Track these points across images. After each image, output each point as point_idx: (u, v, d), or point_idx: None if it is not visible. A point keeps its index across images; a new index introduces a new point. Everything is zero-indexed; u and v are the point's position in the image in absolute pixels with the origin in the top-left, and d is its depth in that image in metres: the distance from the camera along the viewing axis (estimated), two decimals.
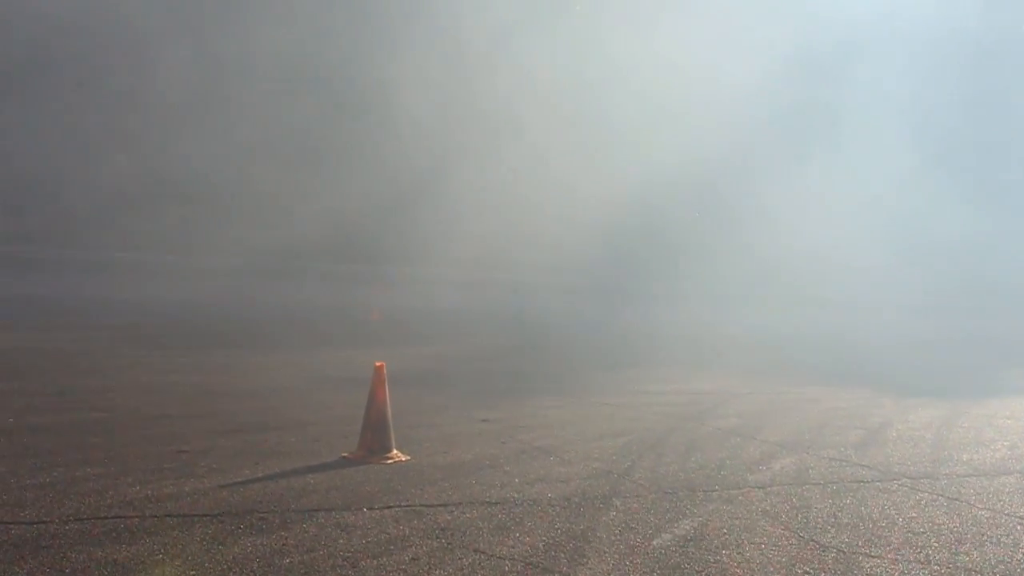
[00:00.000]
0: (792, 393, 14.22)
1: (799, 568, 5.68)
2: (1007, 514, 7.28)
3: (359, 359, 14.72)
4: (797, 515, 6.91)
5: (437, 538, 5.81)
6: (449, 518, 6.25)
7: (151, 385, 11.09)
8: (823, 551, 6.04)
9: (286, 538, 5.63)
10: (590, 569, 5.43)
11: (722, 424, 10.82)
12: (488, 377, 14.06)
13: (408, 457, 7.99)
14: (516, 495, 6.98)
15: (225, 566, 5.11)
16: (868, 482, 8.21)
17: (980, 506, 7.50)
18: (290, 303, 24.46)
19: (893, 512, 7.19)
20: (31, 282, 23.69)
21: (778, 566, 5.68)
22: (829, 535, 6.40)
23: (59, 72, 26.52)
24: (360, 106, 28.41)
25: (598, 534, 6.10)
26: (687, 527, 6.40)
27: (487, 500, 6.79)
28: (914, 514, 7.13)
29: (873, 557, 5.99)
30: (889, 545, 6.26)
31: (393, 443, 8.01)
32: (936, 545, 6.32)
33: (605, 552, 5.75)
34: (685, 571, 5.50)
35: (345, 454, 7.92)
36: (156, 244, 26.62)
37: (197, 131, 26.94)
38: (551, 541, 5.89)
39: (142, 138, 27.05)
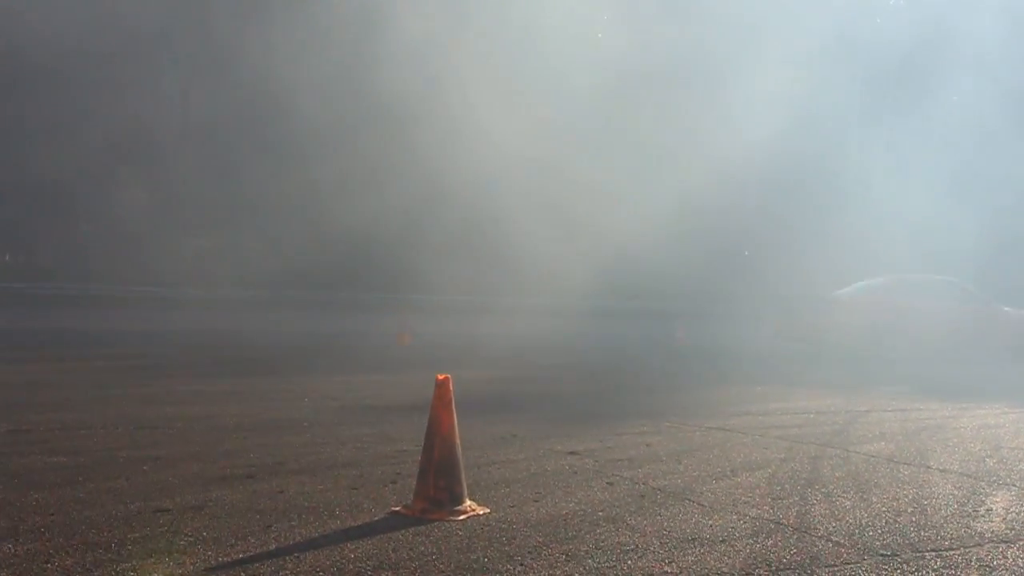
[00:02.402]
0: (920, 410, 11.72)
1: None
2: None
3: (395, 384, 12.38)
4: None
5: None
6: None
7: (140, 419, 8.68)
8: None
9: None
10: None
11: (873, 450, 8.33)
12: (556, 400, 11.62)
13: (487, 509, 5.53)
14: (668, 568, 4.50)
15: None
16: None
17: None
18: (311, 331, 22.15)
19: None
20: (38, 316, 21.62)
21: None
22: None
23: (71, 105, 24.68)
24: (392, 124, 26.17)
25: None
26: None
27: None
28: None
29: None
30: None
31: (465, 490, 5.55)
32: None
33: None
34: None
35: (397, 508, 5.48)
36: (170, 276, 24.69)
37: (214, 159, 25.08)
38: None
39: (152, 170, 25.14)
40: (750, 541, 5.06)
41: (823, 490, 6.50)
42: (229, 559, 4.48)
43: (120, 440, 7.60)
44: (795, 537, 5.18)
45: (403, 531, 5.05)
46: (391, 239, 26.19)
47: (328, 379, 12.98)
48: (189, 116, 25.41)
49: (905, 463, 7.71)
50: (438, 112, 25.66)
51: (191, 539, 4.77)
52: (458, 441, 5.53)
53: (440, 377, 5.51)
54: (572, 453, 7.63)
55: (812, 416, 10.71)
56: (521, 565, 4.51)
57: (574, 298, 26.82)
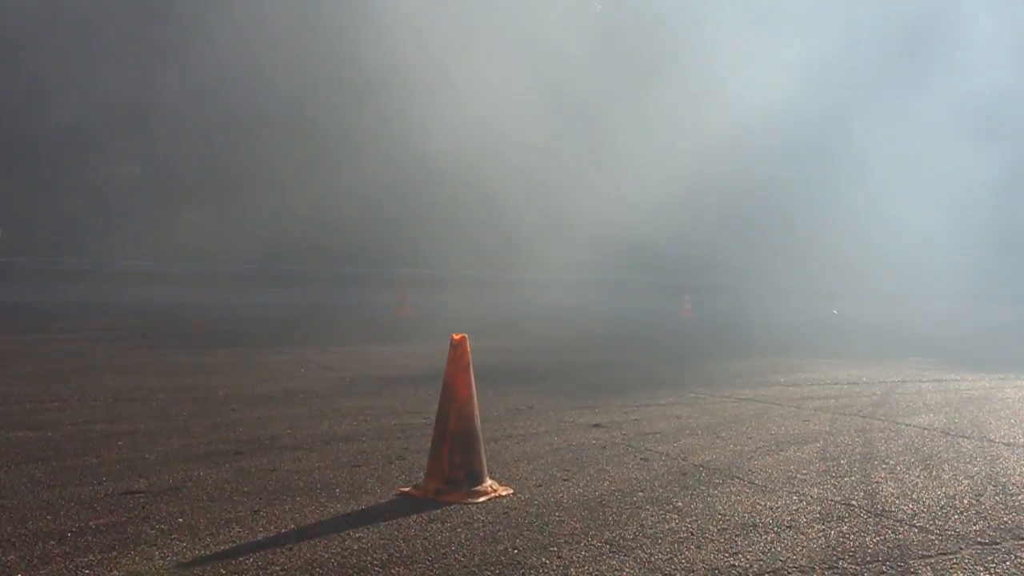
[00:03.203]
0: (956, 381, 11.01)
1: None
2: None
3: (398, 355, 11.64)
4: None
5: None
6: None
7: (120, 391, 7.92)
8: None
9: None
10: None
11: (923, 422, 7.59)
12: (570, 371, 10.88)
13: (510, 490, 4.78)
14: (734, 561, 3.75)
15: None
16: None
17: None
18: (307, 303, 21.41)
19: None
20: (27, 290, 20.88)
21: None
22: None
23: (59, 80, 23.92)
24: (382, 104, 25.34)
25: None
26: None
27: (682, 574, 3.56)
28: None
29: None
30: None
31: (485, 467, 4.79)
32: None
33: None
34: None
35: (406, 488, 4.72)
36: (163, 250, 23.99)
37: (205, 133, 24.34)
38: None
39: (146, 144, 24.39)
40: (822, 527, 4.31)
41: (884, 466, 5.76)
42: (207, 551, 3.72)
43: (96, 413, 6.84)
44: (872, 522, 4.42)
45: (414, 516, 4.29)
46: (390, 212, 25.47)
47: (326, 350, 12.23)
48: (179, 90, 24.59)
49: (963, 436, 6.97)
50: (431, 81, 24.90)
51: (163, 527, 4.02)
52: (477, 411, 4.77)
53: (456, 337, 4.74)
54: (596, 425, 6.89)
55: (846, 387, 9.98)
56: (559, 558, 3.76)
57: (573, 271, 26.13)
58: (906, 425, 7.41)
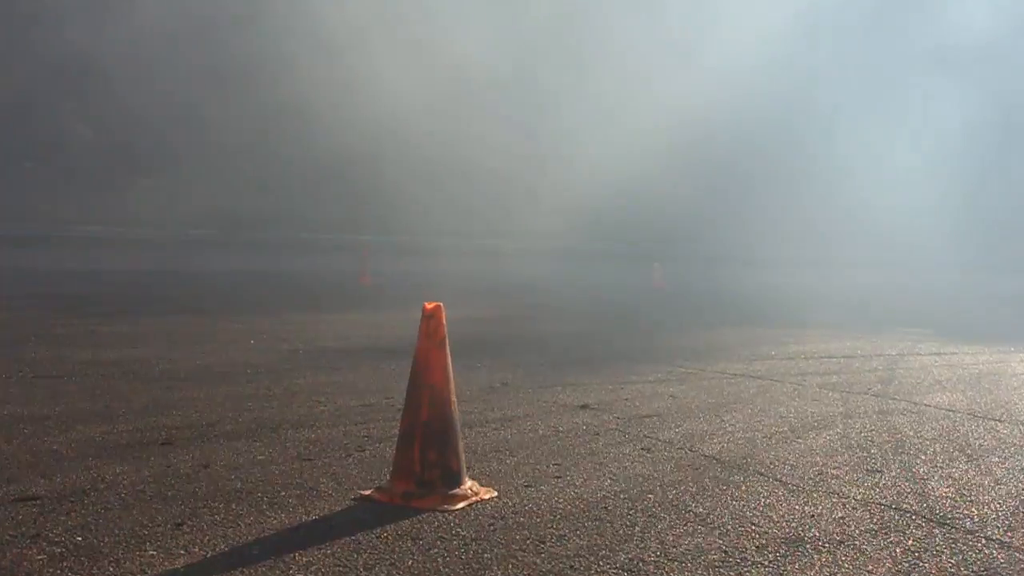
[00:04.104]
0: (955, 354, 10.33)
1: None
2: None
3: (359, 324, 10.74)
4: None
5: None
6: None
7: (44, 366, 6.97)
8: None
9: None
10: None
11: (943, 401, 6.86)
12: (548, 342, 10.05)
13: (493, 492, 3.92)
14: None
15: None
16: None
17: None
18: (263, 271, 20.42)
19: None
20: None
21: None
22: None
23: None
24: (346, 53, 24.31)
25: None
26: None
27: None
28: None
29: None
30: None
31: (464, 465, 3.92)
32: None
33: None
34: None
35: (367, 491, 3.84)
36: (116, 216, 22.92)
37: (163, 99, 23.28)
38: None
39: (99, 106, 23.27)
40: (881, 542, 3.50)
41: (922, 457, 4.98)
42: None
43: (7, 393, 5.92)
44: (939, 534, 3.62)
45: (378, 530, 3.42)
46: (350, 177, 24.53)
47: (280, 319, 11.30)
48: (137, 50, 23.46)
49: (994, 419, 6.22)
50: (394, 42, 23.95)
51: (56, 549, 3.12)
52: (454, 396, 3.90)
53: (428, 306, 3.86)
54: (584, 407, 6.06)
55: (843, 361, 9.25)
56: None
57: (540, 240, 25.36)
58: (926, 406, 6.65)
